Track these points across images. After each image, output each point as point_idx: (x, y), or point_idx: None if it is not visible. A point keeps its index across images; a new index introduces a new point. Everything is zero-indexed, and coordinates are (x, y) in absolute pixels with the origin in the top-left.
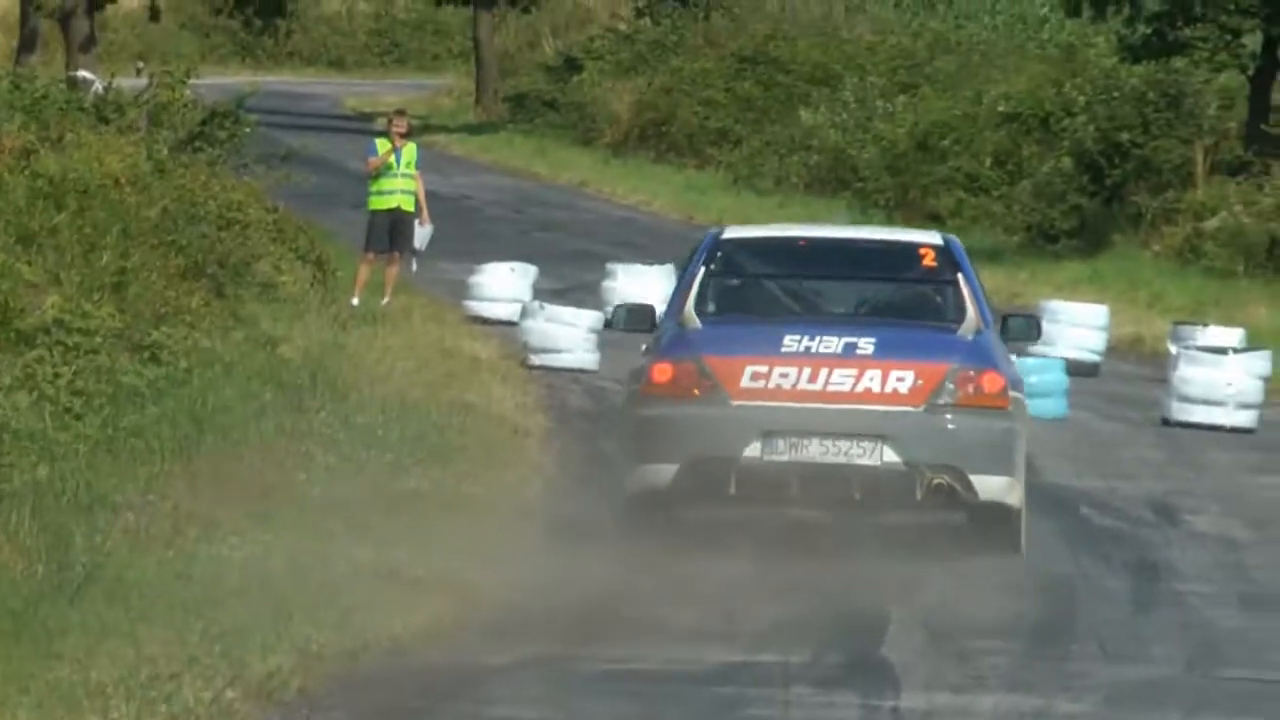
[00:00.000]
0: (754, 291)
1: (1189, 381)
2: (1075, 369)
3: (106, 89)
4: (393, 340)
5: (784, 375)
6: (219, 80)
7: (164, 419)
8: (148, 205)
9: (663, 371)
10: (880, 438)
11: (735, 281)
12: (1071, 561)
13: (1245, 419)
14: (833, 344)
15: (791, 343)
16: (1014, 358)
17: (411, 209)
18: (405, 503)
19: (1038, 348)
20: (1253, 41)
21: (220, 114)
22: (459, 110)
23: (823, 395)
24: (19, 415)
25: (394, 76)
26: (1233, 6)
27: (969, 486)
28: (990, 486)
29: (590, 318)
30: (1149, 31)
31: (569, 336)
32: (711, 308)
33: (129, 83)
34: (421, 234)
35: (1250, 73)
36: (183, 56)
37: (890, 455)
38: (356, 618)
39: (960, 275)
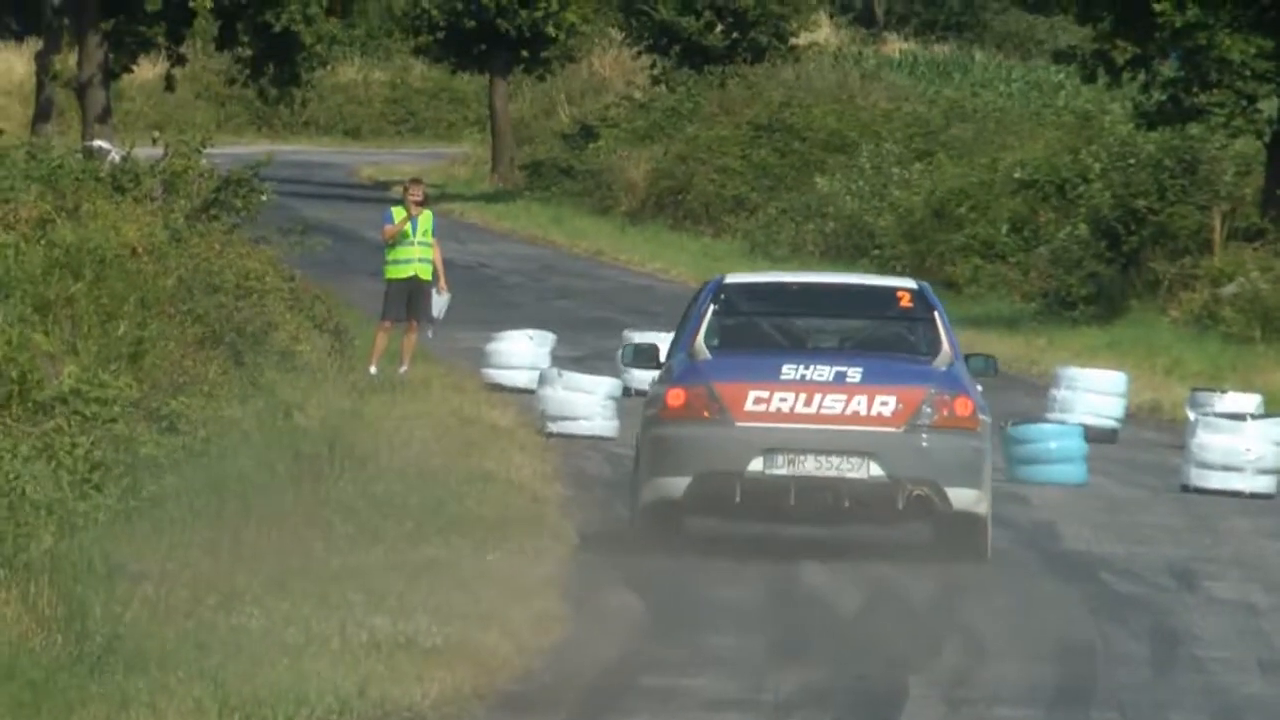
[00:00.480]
0: (754, 328)
1: (1207, 448)
2: (1094, 435)
3: (123, 158)
4: (411, 408)
5: (783, 399)
6: (235, 150)
7: (182, 488)
8: (164, 274)
9: (676, 396)
10: (867, 454)
11: (738, 319)
12: (1092, 627)
13: (1264, 484)
14: (825, 372)
15: (789, 371)
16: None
17: (428, 277)
18: (424, 571)
19: (1056, 414)
20: (1269, 107)
21: (235, 181)
22: (475, 178)
23: (816, 417)
24: (37, 485)
25: (409, 145)
26: (1249, 73)
27: (944, 498)
28: (962, 498)
29: (608, 385)
30: (1165, 98)
31: (587, 404)
32: (717, 341)
33: (145, 152)
34: (439, 302)
35: (1267, 139)
36: (198, 126)
37: (876, 470)
38: (375, 688)
39: (935, 314)
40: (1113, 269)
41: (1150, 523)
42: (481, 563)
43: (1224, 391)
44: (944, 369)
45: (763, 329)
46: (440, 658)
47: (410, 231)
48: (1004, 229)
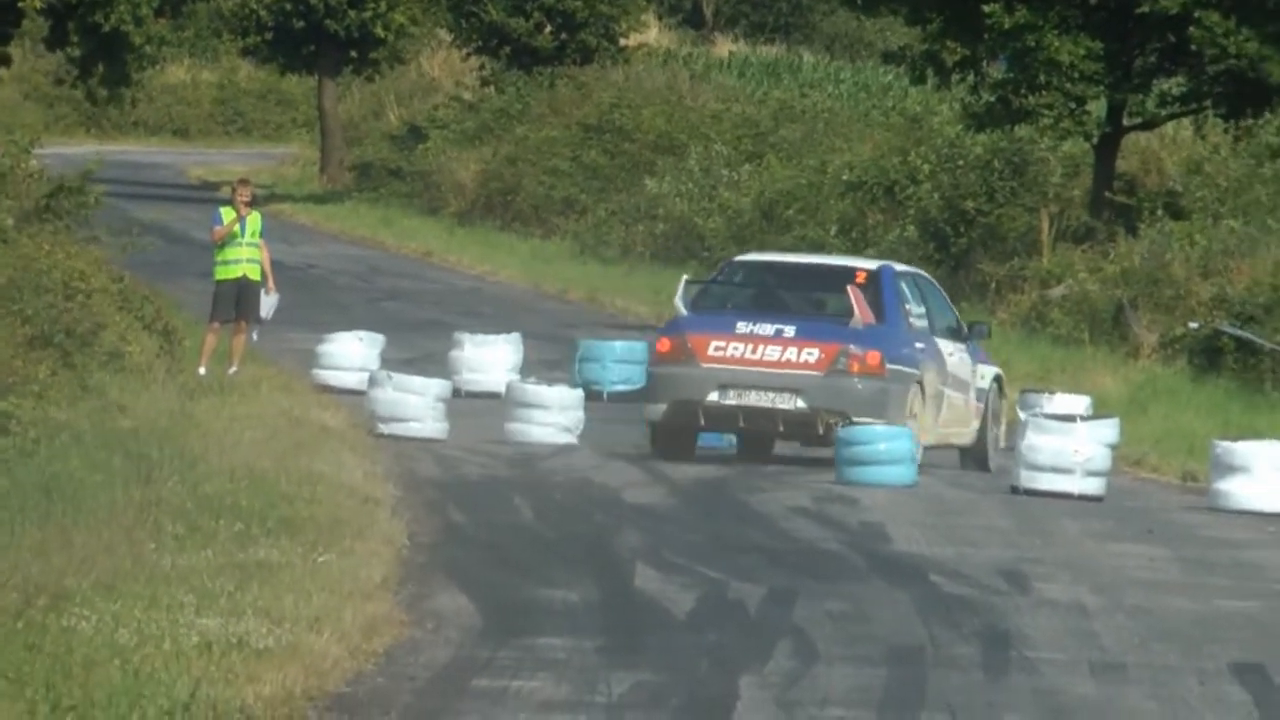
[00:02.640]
0: (736, 295)
1: (1037, 449)
2: None
3: None
4: (241, 409)
5: (735, 348)
6: (63, 150)
7: (13, 489)
8: None
9: (662, 344)
10: (796, 391)
11: (727, 287)
12: (922, 629)
13: (1094, 486)
14: (768, 329)
15: (741, 327)
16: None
17: (257, 278)
18: (254, 573)
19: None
20: (1097, 109)
21: (66, 189)
22: (304, 179)
23: (759, 362)
24: None
25: (238, 146)
26: (1077, 75)
27: (852, 425)
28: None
29: (438, 387)
30: (993, 99)
31: (417, 405)
32: (703, 304)
33: None
34: (267, 303)
35: (1094, 140)
36: (26, 126)
37: (801, 403)
38: (207, 689)
39: (880, 291)
40: (941, 270)
41: (980, 524)
42: (312, 564)
43: (1053, 393)
44: (860, 329)
45: (742, 295)
46: (272, 659)
47: (239, 232)
48: (833, 230)
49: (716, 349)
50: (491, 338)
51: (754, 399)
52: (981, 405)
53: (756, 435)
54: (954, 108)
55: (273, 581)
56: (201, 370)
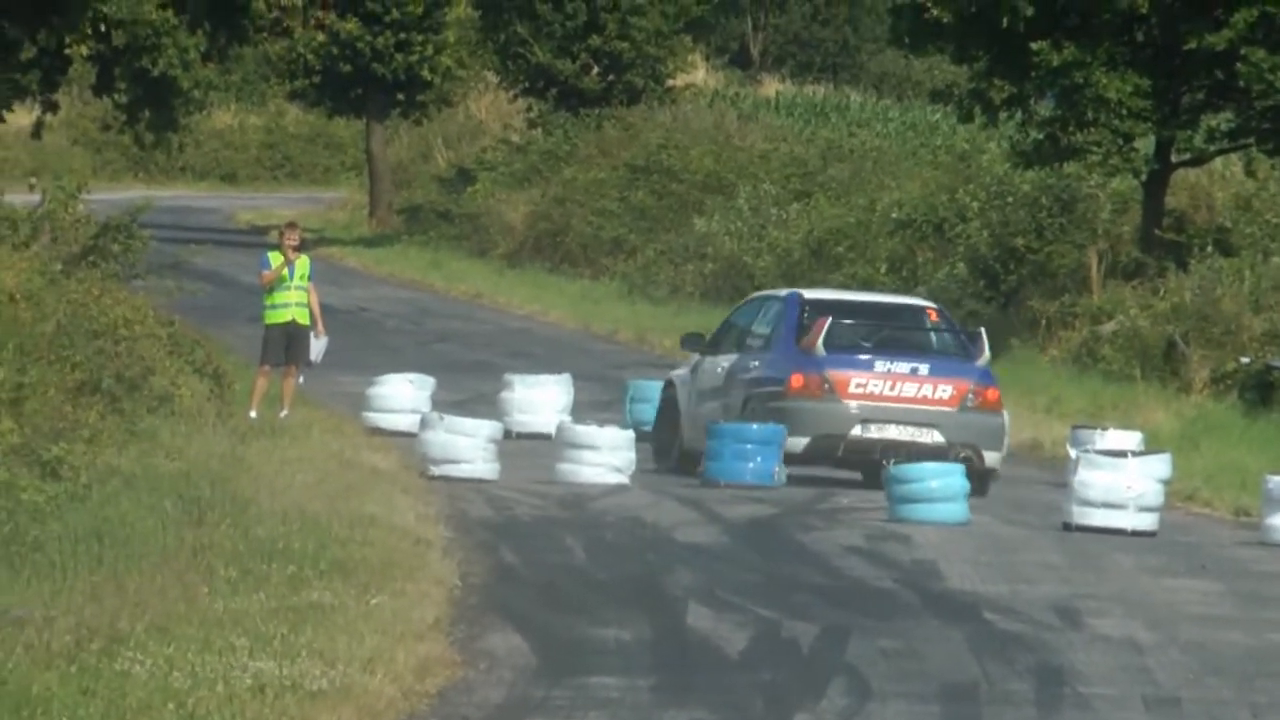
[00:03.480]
0: (839, 331)
1: (1089, 485)
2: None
3: None
4: (292, 453)
5: (875, 385)
6: (111, 195)
7: (65, 534)
8: (42, 320)
9: (798, 380)
10: (931, 425)
11: (835, 326)
12: (976, 666)
13: (1146, 522)
14: (904, 368)
15: (880, 365)
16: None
17: (306, 322)
18: (307, 615)
19: None
20: (1145, 146)
21: (113, 228)
22: (353, 223)
23: (898, 399)
24: None
25: (286, 190)
26: (1125, 111)
27: (981, 458)
28: (991, 459)
29: (489, 428)
30: (1041, 137)
31: (468, 447)
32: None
33: (20, 199)
34: (317, 346)
35: (1143, 177)
36: (74, 172)
37: (937, 436)
38: None
39: (955, 327)
40: (991, 308)
41: (1033, 561)
42: (365, 606)
43: (1105, 429)
44: (982, 367)
45: (839, 331)
46: (326, 701)
47: (288, 276)
48: (882, 269)
49: (858, 386)
50: (542, 379)
51: (894, 433)
52: None
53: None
54: (1002, 145)
55: (326, 624)
56: (252, 414)
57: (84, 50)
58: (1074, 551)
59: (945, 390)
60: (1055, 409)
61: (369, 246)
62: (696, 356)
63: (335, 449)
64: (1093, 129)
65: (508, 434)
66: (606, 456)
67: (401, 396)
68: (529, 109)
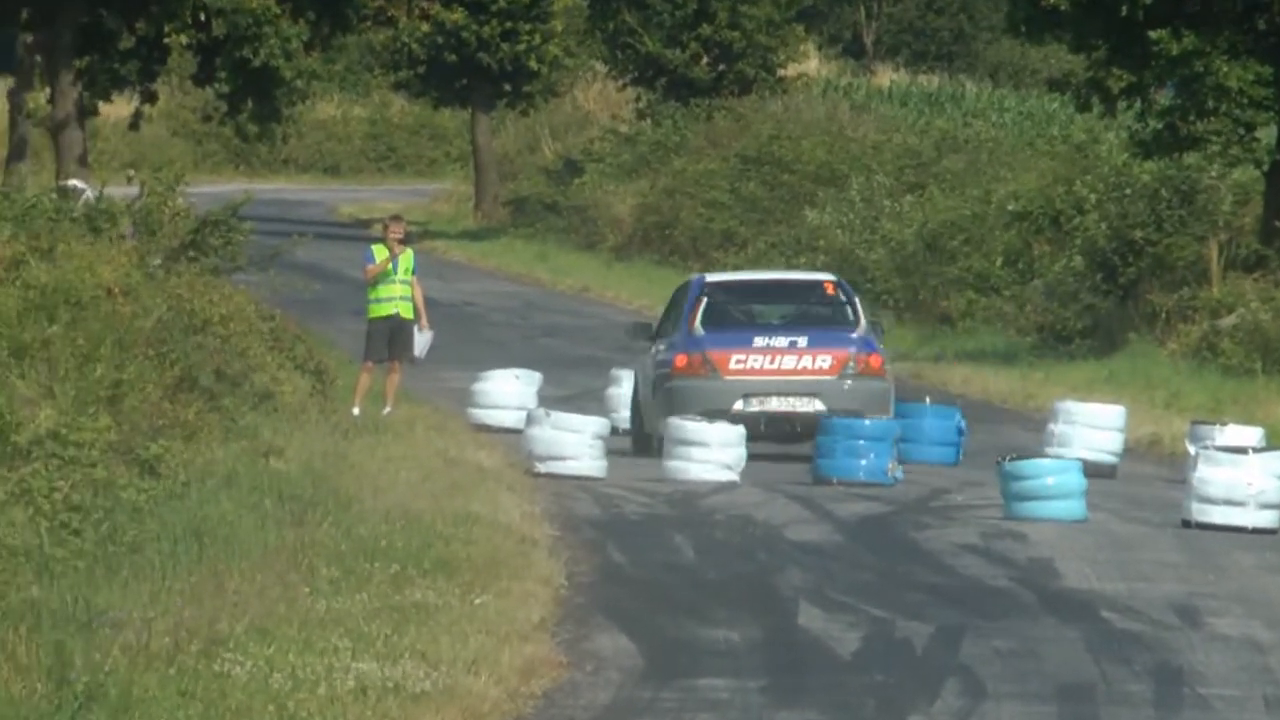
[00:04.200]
0: (728, 311)
1: (1208, 482)
2: (1093, 471)
3: (97, 198)
4: (395, 450)
5: (755, 360)
6: (212, 189)
7: (163, 533)
8: (142, 316)
9: (681, 360)
10: (813, 394)
11: (719, 305)
12: (1093, 666)
13: (1267, 519)
14: (783, 341)
15: (759, 341)
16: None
17: (410, 316)
18: (410, 615)
19: (1053, 449)
20: (1267, 135)
21: (213, 222)
22: (458, 215)
23: (778, 371)
24: (14, 531)
25: (390, 182)
26: (1246, 100)
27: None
28: None
29: (596, 424)
30: (1160, 127)
31: (575, 443)
32: (709, 321)
33: (120, 191)
34: (421, 340)
35: (1265, 167)
36: (172, 163)
37: (819, 405)
38: None
39: (847, 299)
40: (1109, 301)
41: (1151, 559)
42: (469, 606)
43: (1224, 425)
44: (860, 335)
45: (734, 311)
46: (429, 703)
47: (392, 270)
48: (998, 262)
49: (738, 362)
50: None
51: (776, 404)
52: None
53: (776, 437)
54: (1120, 136)
55: (429, 624)
56: (356, 410)
57: (183, 40)
58: (1193, 549)
59: (825, 360)
60: (1174, 404)
61: (474, 239)
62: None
63: (439, 446)
64: (1213, 118)
65: (615, 430)
66: (716, 453)
67: (507, 392)
68: (637, 99)
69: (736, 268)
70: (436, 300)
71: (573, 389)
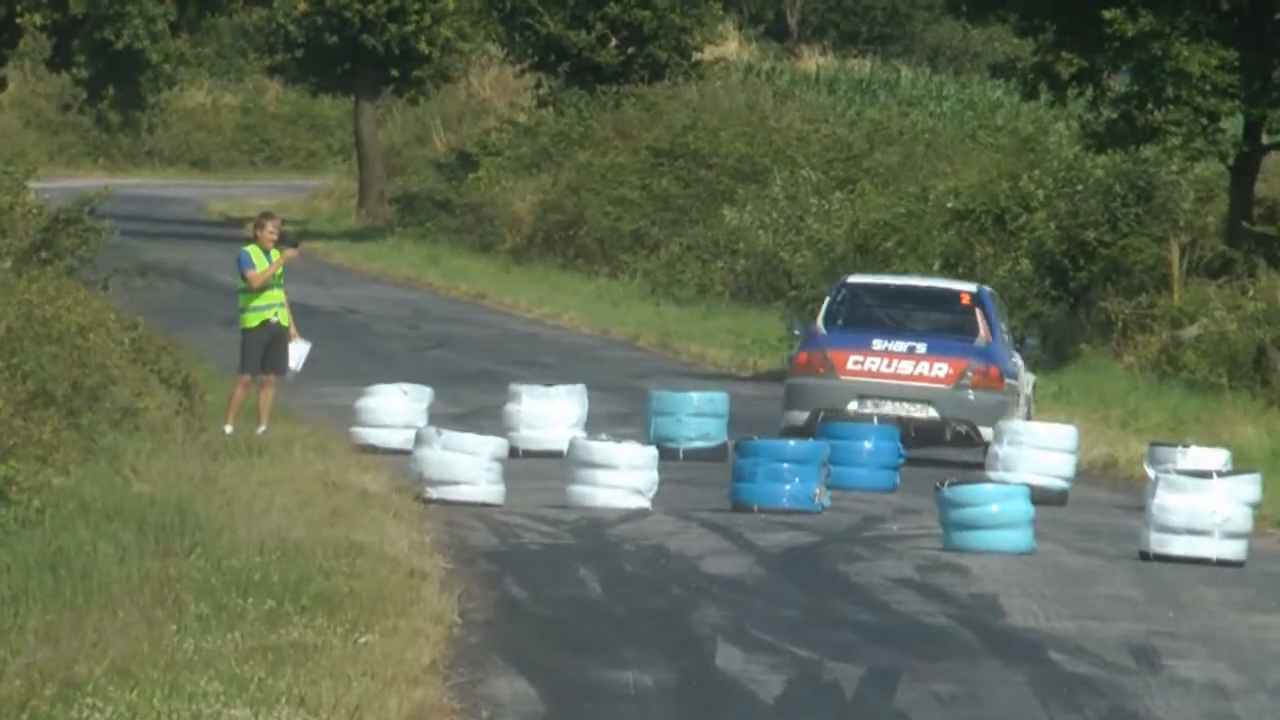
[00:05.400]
0: (860, 312)
1: (1169, 509)
2: (1041, 497)
3: None
4: (271, 473)
5: (872, 363)
6: (68, 183)
7: (14, 564)
8: None
9: (802, 357)
10: (927, 402)
11: (852, 306)
12: (1041, 713)
13: (1233, 550)
14: (901, 346)
15: (877, 344)
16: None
17: (287, 323)
18: (288, 656)
19: (997, 473)
20: (1232, 126)
21: (66, 220)
22: (340, 214)
23: (895, 375)
24: None
25: (265, 177)
26: (1209, 87)
27: (978, 433)
28: (988, 434)
29: (494, 446)
30: (1115, 116)
31: (470, 466)
32: (836, 321)
33: None
34: (297, 352)
35: (1230, 161)
36: (23, 155)
37: (932, 412)
38: None
39: (980, 310)
40: (1059, 309)
41: (1105, 594)
42: (352, 646)
43: (1187, 446)
44: (982, 346)
45: (865, 313)
46: None
47: (280, 274)
48: (936, 265)
49: (855, 363)
50: (552, 390)
51: (890, 408)
52: (1028, 410)
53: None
54: (1071, 126)
55: (308, 665)
56: (228, 428)
57: (37, 20)
58: (1152, 584)
59: (941, 368)
60: (1131, 423)
61: (358, 240)
62: None
63: (319, 469)
64: (1173, 107)
65: (514, 452)
66: (626, 477)
67: (394, 409)
68: (538, 85)
69: (648, 273)
70: (316, 308)
71: (467, 406)
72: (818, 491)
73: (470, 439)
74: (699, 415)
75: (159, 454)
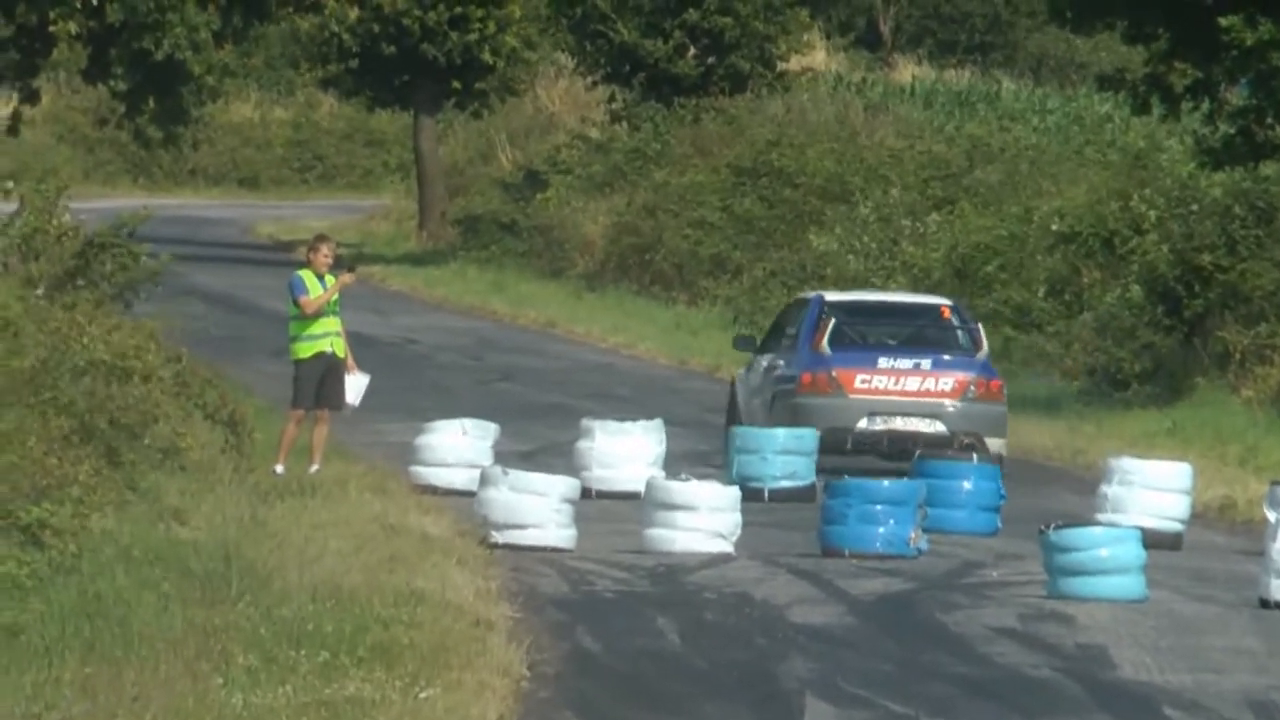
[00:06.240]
0: (850, 331)
1: None
2: (1154, 541)
3: None
4: (324, 515)
5: (880, 380)
6: (105, 204)
7: (50, 613)
8: (18, 355)
9: (807, 378)
10: (934, 416)
11: (840, 325)
12: None
13: None
14: (907, 363)
15: (883, 362)
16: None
17: (344, 354)
18: (344, 712)
19: (1107, 515)
20: None
21: (100, 244)
22: (398, 236)
23: (903, 392)
24: None
25: (317, 197)
26: None
27: (984, 444)
28: (994, 444)
29: (564, 486)
30: (1233, 131)
31: (538, 508)
32: (834, 341)
33: None
34: (355, 385)
35: None
36: (55, 173)
37: (940, 426)
38: None
39: (963, 323)
40: (1173, 339)
41: (1223, 645)
42: (413, 701)
43: None
44: (983, 360)
45: (856, 331)
46: None
47: (336, 301)
48: (1041, 292)
49: (863, 381)
50: (628, 425)
51: (899, 424)
52: None
53: (899, 456)
54: (1185, 142)
55: None
56: (279, 468)
57: (72, 28)
58: (1273, 634)
59: (947, 383)
60: (1250, 461)
61: (417, 265)
62: (754, 356)
63: (377, 511)
64: None
65: (586, 493)
66: (707, 519)
67: (457, 447)
68: (611, 98)
69: (730, 300)
70: (373, 338)
71: (535, 443)
72: (913, 535)
73: (539, 479)
74: (785, 453)
75: (204, 495)
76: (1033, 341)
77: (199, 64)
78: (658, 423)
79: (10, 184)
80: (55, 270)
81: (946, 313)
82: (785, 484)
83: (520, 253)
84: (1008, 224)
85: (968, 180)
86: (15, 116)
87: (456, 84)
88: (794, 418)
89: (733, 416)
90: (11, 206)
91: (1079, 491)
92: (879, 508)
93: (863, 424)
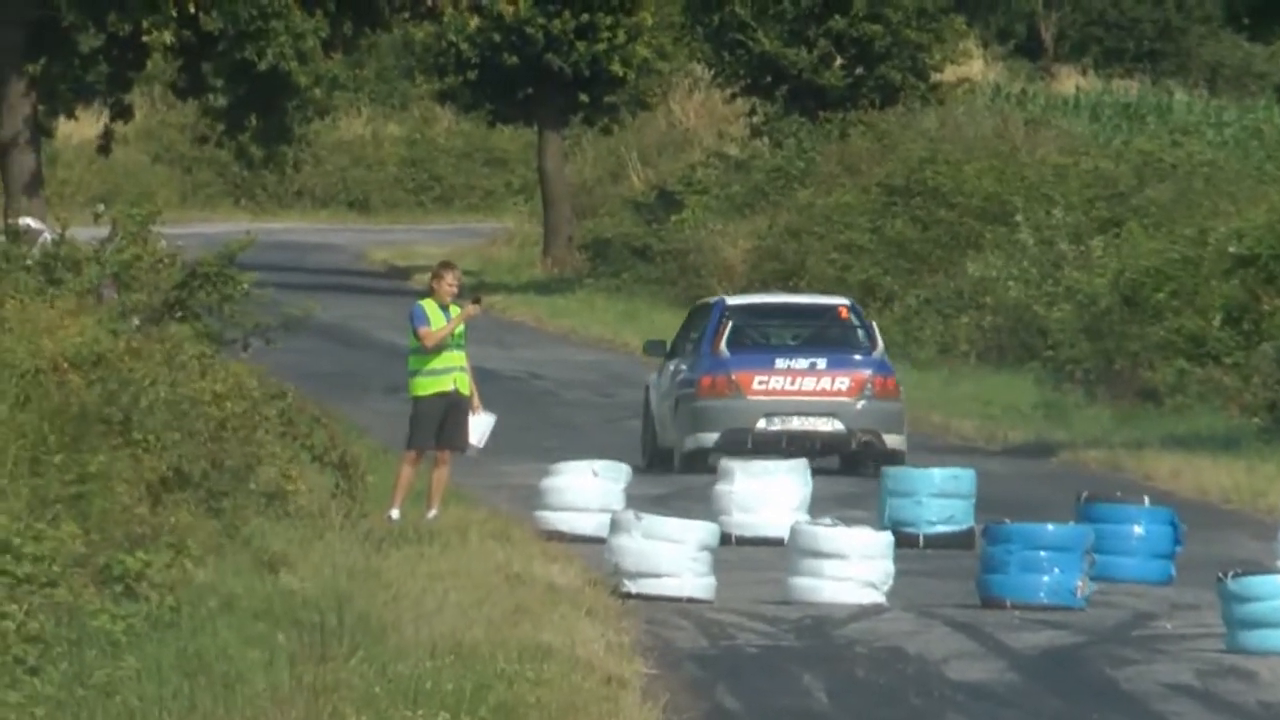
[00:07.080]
0: (750, 333)
1: None
2: None
3: (57, 240)
4: (443, 564)
5: (777, 381)
6: (205, 229)
7: (146, 671)
8: (114, 393)
9: (706, 381)
10: (831, 415)
11: (740, 327)
12: None
13: None
14: (803, 363)
15: (780, 363)
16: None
17: (468, 391)
18: None
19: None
20: None
21: (203, 274)
22: (521, 263)
23: (799, 392)
24: None
25: (434, 220)
26: None
27: (882, 441)
28: (893, 441)
29: (702, 531)
30: None
31: (674, 556)
32: (733, 343)
33: (86, 233)
34: (480, 425)
35: None
36: (148, 196)
37: (837, 425)
38: None
39: (860, 322)
40: None
41: None
42: None
43: None
44: (879, 358)
45: (756, 333)
46: None
47: (460, 333)
48: (1217, 320)
49: (761, 383)
50: (770, 466)
51: (797, 424)
52: None
53: (797, 454)
54: None
55: None
56: (394, 513)
57: (167, 38)
58: None
59: (844, 382)
60: None
61: (542, 293)
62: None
63: (499, 559)
64: None
65: (726, 539)
66: (857, 568)
67: (585, 490)
68: (751, 112)
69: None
70: (495, 372)
71: (670, 486)
72: (1080, 584)
73: (674, 524)
74: (942, 496)
75: (312, 543)
76: (1208, 374)
77: (305, 76)
78: (803, 464)
79: (102, 207)
80: (153, 301)
81: (844, 313)
82: (941, 529)
83: (653, 279)
84: (1180, 247)
85: (1137, 199)
86: (106, 134)
87: (584, 97)
88: (695, 420)
89: (647, 423)
90: (103, 231)
91: (1260, 537)
92: (1043, 554)
93: (761, 424)
